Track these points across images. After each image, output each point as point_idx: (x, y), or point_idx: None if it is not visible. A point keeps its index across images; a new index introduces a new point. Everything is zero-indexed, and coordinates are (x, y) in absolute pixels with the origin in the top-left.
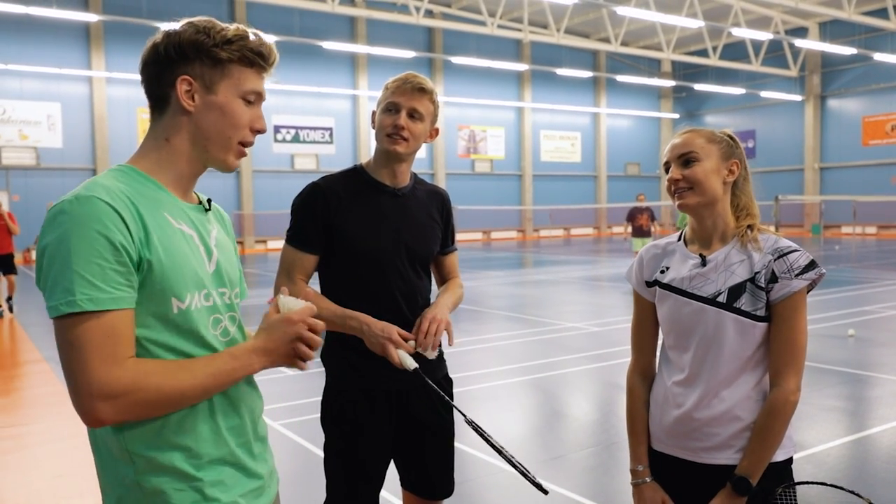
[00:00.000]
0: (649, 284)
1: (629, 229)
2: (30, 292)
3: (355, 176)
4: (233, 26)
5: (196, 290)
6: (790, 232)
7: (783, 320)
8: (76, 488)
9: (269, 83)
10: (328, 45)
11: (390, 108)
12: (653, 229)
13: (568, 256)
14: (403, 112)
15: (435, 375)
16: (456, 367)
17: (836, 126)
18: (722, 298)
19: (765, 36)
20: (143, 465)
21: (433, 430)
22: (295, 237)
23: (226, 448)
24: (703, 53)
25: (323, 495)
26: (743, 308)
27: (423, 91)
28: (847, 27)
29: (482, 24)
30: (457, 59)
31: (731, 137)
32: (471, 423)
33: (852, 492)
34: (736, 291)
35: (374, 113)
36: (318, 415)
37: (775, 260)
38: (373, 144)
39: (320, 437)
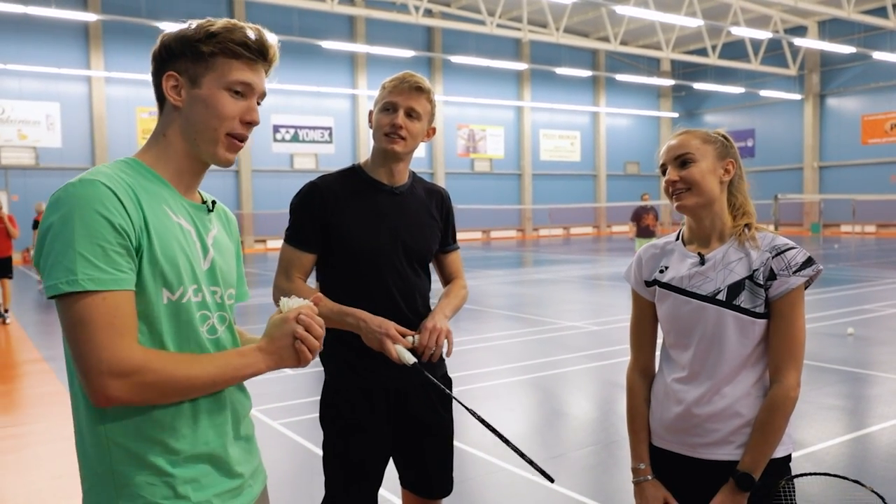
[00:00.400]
0: (648, 284)
1: (635, 229)
2: (29, 291)
3: (353, 175)
4: (223, 21)
5: (187, 284)
6: (789, 231)
7: (782, 317)
8: (76, 488)
9: (268, 83)
10: (327, 44)
11: (388, 107)
12: (658, 229)
13: (567, 255)
14: (401, 111)
15: (434, 374)
16: (456, 366)
17: (835, 125)
18: (721, 296)
19: (764, 35)
20: (120, 456)
21: (432, 429)
22: (293, 236)
23: (204, 446)
24: (702, 52)
25: (322, 494)
26: (742, 305)
27: (420, 90)
28: (846, 26)
29: (481, 23)
30: (456, 59)
31: (724, 137)
32: (473, 413)
33: (856, 481)
34: (735, 289)
35: (371, 112)
36: (317, 414)
37: (773, 257)
38: (372, 144)
39: (319, 436)
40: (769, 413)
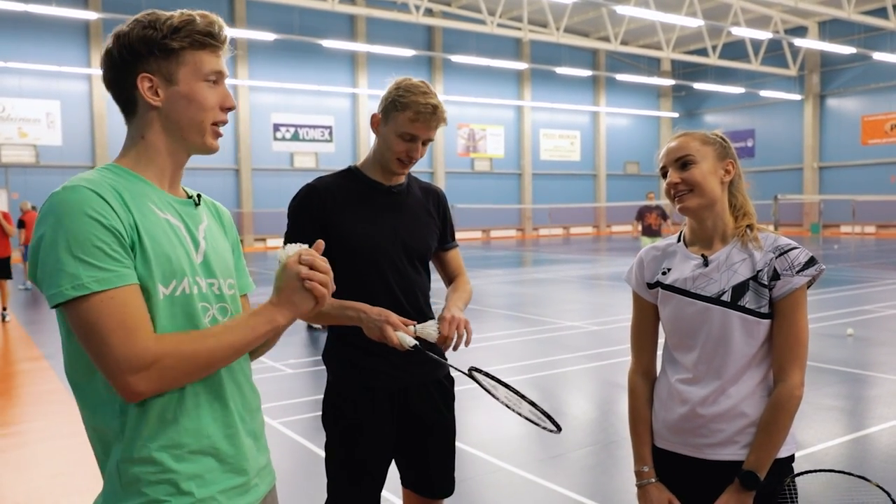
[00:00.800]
0: (650, 286)
1: (639, 228)
2: (28, 290)
3: (350, 176)
4: (177, 13)
5: (181, 278)
6: (789, 231)
7: (785, 316)
8: (75, 486)
9: (269, 82)
10: (328, 43)
11: (407, 138)
12: (664, 228)
13: (567, 255)
14: (420, 142)
15: (437, 374)
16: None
17: (835, 125)
18: (726, 297)
19: (764, 35)
20: (123, 451)
21: (434, 429)
22: (293, 238)
23: (207, 439)
24: (702, 52)
25: (323, 495)
26: (747, 306)
27: (440, 120)
28: (846, 26)
29: (482, 22)
30: (456, 58)
31: (722, 138)
32: (471, 374)
33: (862, 477)
34: (739, 290)
35: (375, 117)
36: (317, 413)
37: (777, 257)
38: (372, 142)
39: (320, 435)
40: (774, 412)
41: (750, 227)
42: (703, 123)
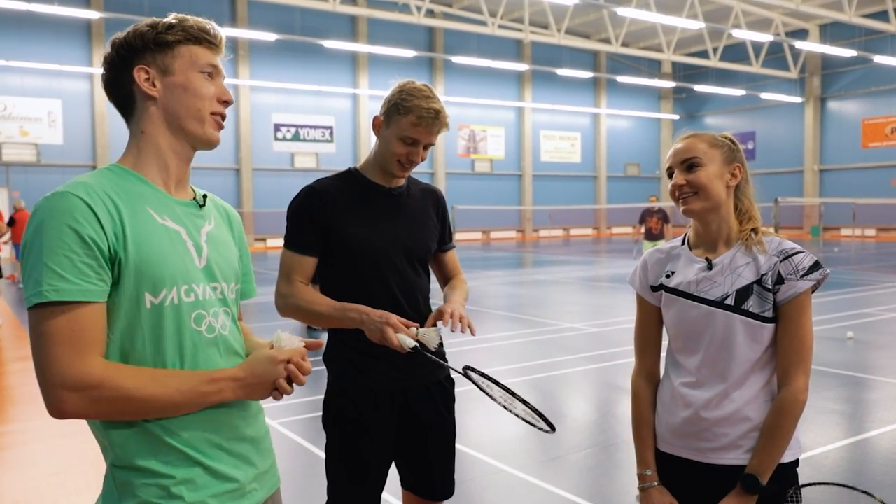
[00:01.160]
0: (654, 289)
1: (641, 231)
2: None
3: (350, 178)
4: (172, 15)
5: (176, 286)
6: (789, 234)
7: (790, 320)
8: (73, 486)
9: (270, 82)
10: (329, 43)
11: (409, 141)
12: (666, 232)
13: (567, 257)
14: (421, 146)
15: (438, 376)
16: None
17: (835, 128)
18: (730, 301)
19: (765, 38)
20: (118, 454)
21: (435, 430)
22: (293, 241)
23: (194, 448)
24: (703, 55)
25: (323, 496)
26: (751, 310)
27: (443, 125)
28: (847, 29)
29: (483, 24)
30: (457, 59)
31: (731, 141)
32: (465, 373)
33: (865, 492)
34: (744, 294)
35: (377, 117)
36: (317, 413)
37: (781, 262)
38: (373, 142)
39: (320, 436)
40: (778, 417)
41: (755, 230)
42: (704, 126)
